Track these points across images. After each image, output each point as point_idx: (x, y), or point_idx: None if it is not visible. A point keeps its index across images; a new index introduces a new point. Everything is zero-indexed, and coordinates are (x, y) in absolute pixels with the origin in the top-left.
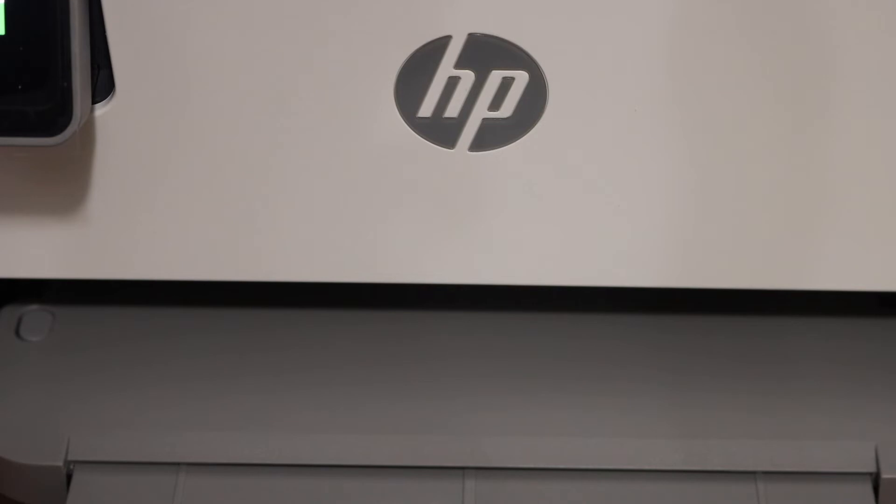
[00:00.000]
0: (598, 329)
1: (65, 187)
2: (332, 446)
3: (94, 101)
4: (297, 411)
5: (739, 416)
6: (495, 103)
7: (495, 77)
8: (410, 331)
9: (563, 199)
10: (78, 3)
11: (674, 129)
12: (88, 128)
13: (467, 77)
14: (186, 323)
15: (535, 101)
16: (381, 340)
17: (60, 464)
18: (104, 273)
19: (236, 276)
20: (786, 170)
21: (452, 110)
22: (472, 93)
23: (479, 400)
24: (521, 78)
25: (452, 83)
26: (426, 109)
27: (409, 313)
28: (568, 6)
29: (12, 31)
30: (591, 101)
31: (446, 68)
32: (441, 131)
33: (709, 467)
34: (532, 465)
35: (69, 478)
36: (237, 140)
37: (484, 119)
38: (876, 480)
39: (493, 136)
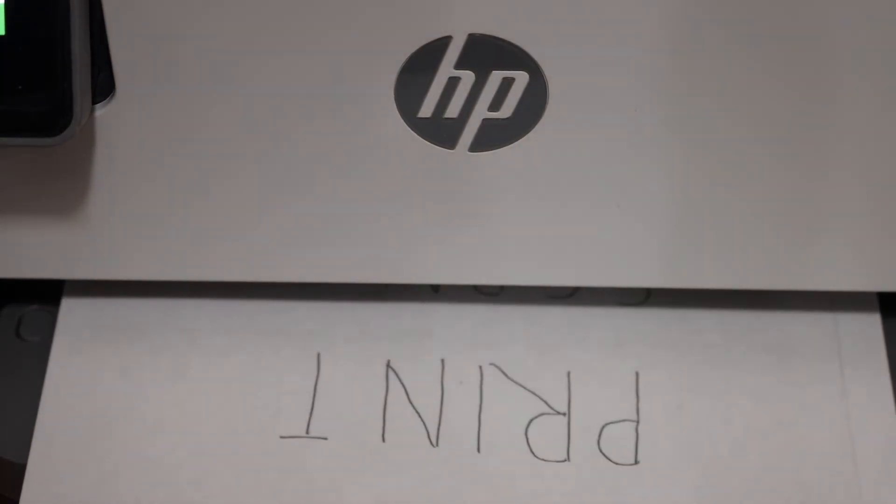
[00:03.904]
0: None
1: (65, 187)
2: None
3: (94, 102)
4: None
5: None
6: (495, 103)
7: (495, 77)
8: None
9: (562, 200)
10: (78, 3)
11: (673, 130)
12: (88, 128)
13: (467, 77)
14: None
15: (535, 102)
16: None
17: None
18: (104, 273)
19: (236, 276)
20: (786, 170)
21: (452, 110)
22: (473, 93)
23: None
24: (521, 78)
25: (452, 83)
26: (426, 109)
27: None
28: (568, 7)
29: (12, 31)
30: (591, 102)
31: (446, 68)
32: (441, 131)
33: None
34: None
35: None
36: (237, 140)
37: (484, 119)
38: None
39: (493, 136)
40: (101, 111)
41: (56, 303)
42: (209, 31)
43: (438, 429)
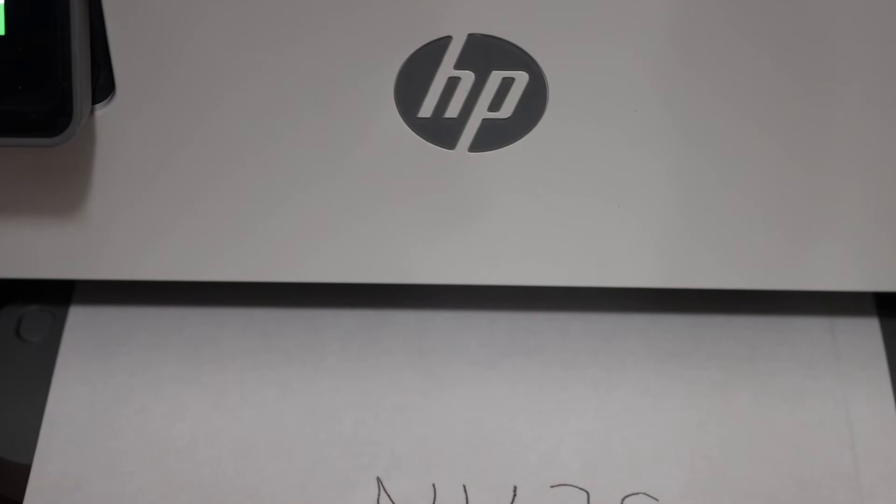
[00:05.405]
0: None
1: (65, 187)
2: None
3: (94, 102)
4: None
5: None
6: (495, 104)
7: (495, 77)
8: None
9: (562, 200)
10: (78, 3)
11: (673, 130)
12: (88, 128)
13: (467, 77)
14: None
15: (535, 102)
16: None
17: None
18: (104, 273)
19: (236, 276)
20: (785, 170)
21: (452, 110)
22: (472, 93)
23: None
24: (521, 78)
25: (452, 83)
26: (426, 109)
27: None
28: (568, 7)
29: (12, 31)
30: (591, 102)
31: (446, 69)
32: (441, 131)
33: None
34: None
35: None
36: (237, 140)
37: (484, 119)
38: None
39: (493, 136)
40: (101, 111)
41: (56, 303)
42: (209, 31)
43: None
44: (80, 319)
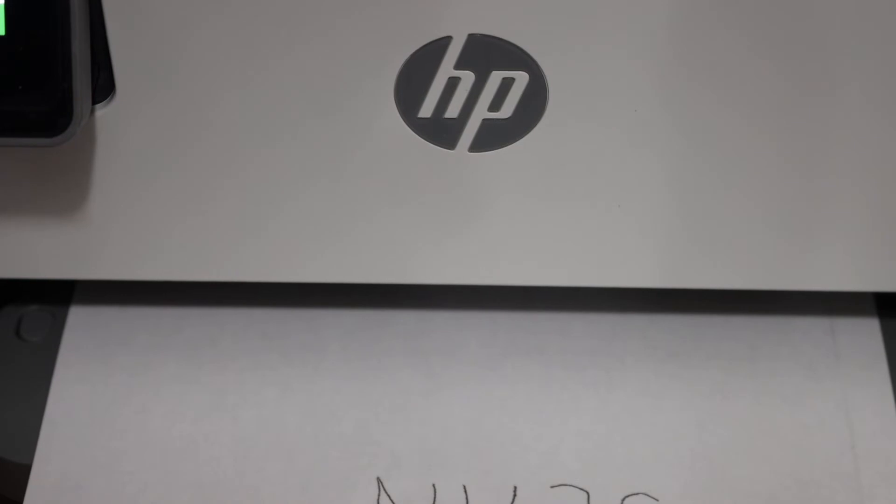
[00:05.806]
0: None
1: (65, 187)
2: None
3: (94, 102)
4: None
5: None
6: (495, 104)
7: (495, 77)
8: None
9: (562, 200)
10: (78, 3)
11: (673, 130)
12: (88, 128)
13: (467, 77)
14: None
15: (535, 102)
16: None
17: None
18: (104, 273)
19: (236, 276)
20: (785, 170)
21: (452, 111)
22: (473, 93)
23: None
24: (521, 78)
25: (452, 84)
26: (426, 110)
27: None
28: (568, 7)
29: (12, 31)
30: (591, 102)
31: (446, 69)
32: (441, 131)
33: None
34: None
35: None
36: (236, 140)
37: (484, 119)
38: None
39: (493, 136)
40: (101, 111)
41: (56, 303)
42: (209, 31)
43: None
44: (80, 319)
